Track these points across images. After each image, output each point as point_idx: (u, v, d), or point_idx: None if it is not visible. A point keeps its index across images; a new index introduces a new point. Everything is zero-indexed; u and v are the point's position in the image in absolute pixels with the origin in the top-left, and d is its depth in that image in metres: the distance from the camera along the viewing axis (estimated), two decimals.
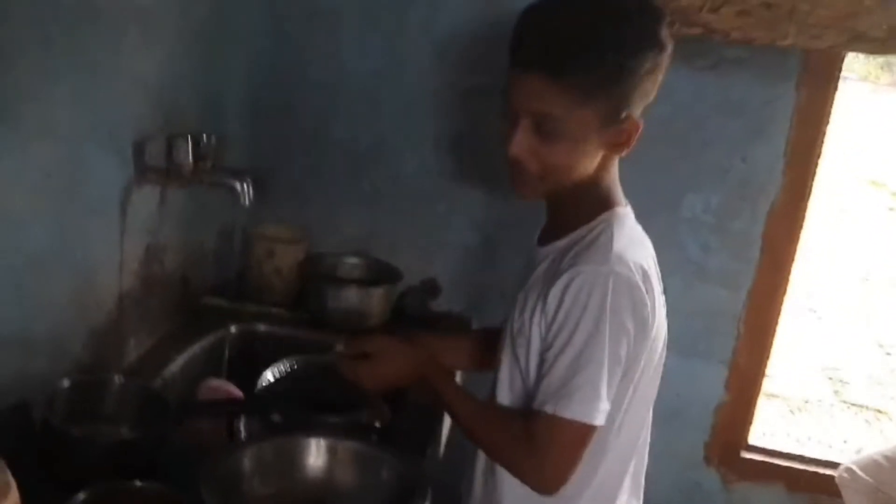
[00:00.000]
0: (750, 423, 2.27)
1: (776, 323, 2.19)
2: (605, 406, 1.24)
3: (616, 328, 1.23)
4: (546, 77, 1.21)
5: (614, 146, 1.28)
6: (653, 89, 1.27)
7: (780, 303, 2.17)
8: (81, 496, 1.16)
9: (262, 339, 2.04)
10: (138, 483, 1.21)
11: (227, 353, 1.91)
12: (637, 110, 1.27)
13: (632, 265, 1.25)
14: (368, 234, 2.28)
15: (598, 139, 1.26)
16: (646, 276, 1.27)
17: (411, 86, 2.20)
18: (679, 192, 2.11)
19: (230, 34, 2.05)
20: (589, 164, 1.29)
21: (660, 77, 1.27)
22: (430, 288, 2.21)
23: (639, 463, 1.48)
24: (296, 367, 1.78)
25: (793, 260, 2.14)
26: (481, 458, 1.46)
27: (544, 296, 1.28)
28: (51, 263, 1.46)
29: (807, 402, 4.50)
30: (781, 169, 2.05)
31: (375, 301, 2.10)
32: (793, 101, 2.01)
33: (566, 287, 1.24)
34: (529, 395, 1.34)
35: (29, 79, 1.30)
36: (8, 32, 1.23)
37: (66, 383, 1.40)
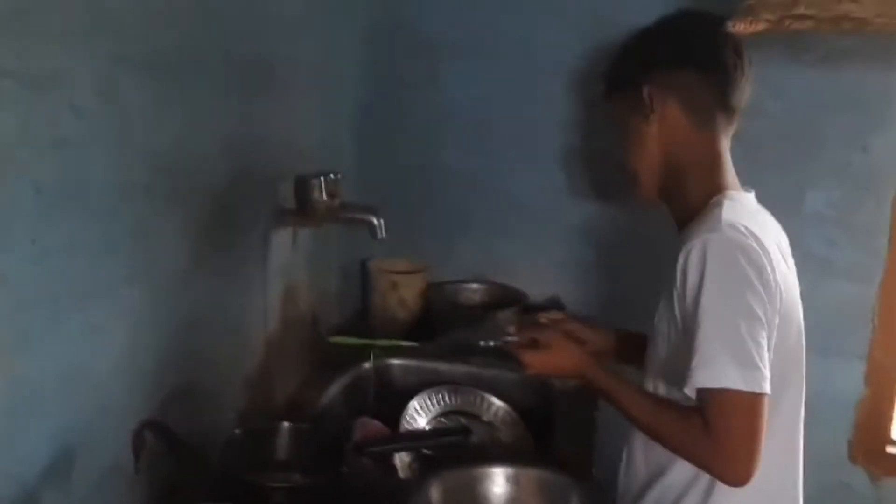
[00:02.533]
0: (892, 417, 2.20)
1: None
2: (763, 371, 1.20)
3: (743, 288, 1.22)
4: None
5: (646, 117, 1.38)
6: (675, 77, 1.36)
7: None
8: None
9: (397, 372, 2.05)
10: None
11: (370, 389, 1.91)
12: (663, 93, 1.36)
13: (742, 229, 1.25)
14: (486, 258, 2.29)
15: (634, 120, 1.39)
16: (759, 241, 1.26)
17: (517, 108, 2.21)
18: (799, 189, 2.07)
19: (337, 79, 2.08)
20: (643, 142, 1.40)
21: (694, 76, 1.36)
22: (555, 306, 2.20)
23: (795, 458, 1.44)
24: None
25: None
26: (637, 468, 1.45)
27: (672, 283, 1.28)
28: (210, 316, 1.48)
29: None
30: None
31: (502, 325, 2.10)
32: None
33: (685, 262, 1.25)
34: (679, 380, 1.32)
35: (184, 131, 1.34)
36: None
37: (238, 432, 1.42)
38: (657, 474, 1.39)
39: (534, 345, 1.48)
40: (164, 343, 1.31)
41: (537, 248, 2.27)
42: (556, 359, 1.48)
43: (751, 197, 1.41)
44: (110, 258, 1.16)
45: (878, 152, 2.01)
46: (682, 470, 1.34)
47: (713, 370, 1.20)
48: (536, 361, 1.47)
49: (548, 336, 1.50)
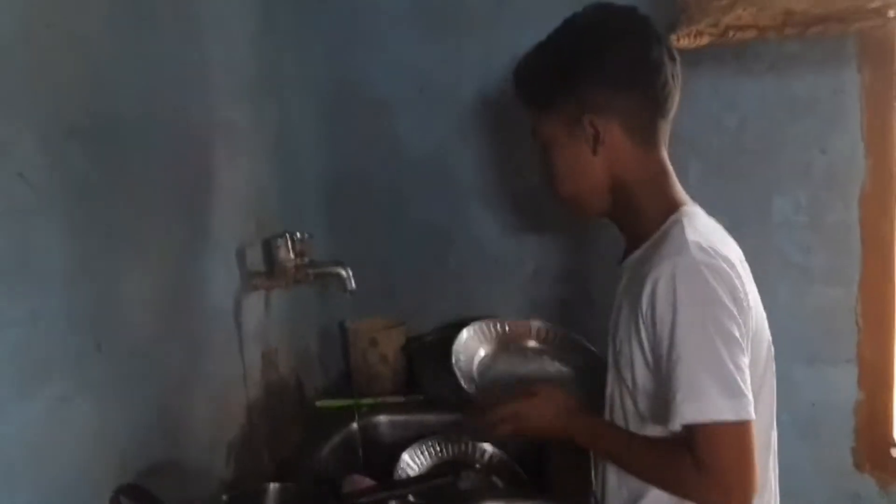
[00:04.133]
0: (892, 417, 2.17)
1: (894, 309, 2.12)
2: (748, 397, 1.18)
3: (717, 313, 1.19)
4: (525, 107, 1.44)
5: (592, 148, 1.36)
6: (621, 99, 1.34)
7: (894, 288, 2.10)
8: None
9: (385, 428, 2.01)
10: None
11: (358, 448, 1.87)
12: (603, 118, 1.34)
13: (711, 251, 1.23)
14: (463, 305, 2.27)
15: (572, 145, 1.37)
16: (727, 260, 1.24)
17: (470, 155, 2.24)
18: (765, 197, 2.08)
19: (298, 143, 2.09)
20: (585, 169, 1.37)
21: (629, 91, 1.34)
22: None
23: (772, 477, 1.42)
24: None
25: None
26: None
27: (634, 311, 1.26)
28: (187, 383, 1.45)
29: None
30: (863, 153, 2.02)
31: None
32: (858, 85, 1.99)
33: (653, 291, 1.22)
34: (641, 415, 1.30)
35: (141, 204, 1.32)
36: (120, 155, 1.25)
37: (225, 498, 1.37)
38: (635, 499, 1.36)
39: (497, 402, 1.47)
40: (137, 413, 1.27)
41: (512, 288, 2.26)
42: (545, 405, 1.45)
43: (700, 210, 1.39)
44: (74, 328, 1.13)
45: (837, 152, 2.03)
46: (659, 494, 1.32)
47: (701, 404, 1.18)
48: (527, 409, 1.45)
49: (535, 387, 1.49)
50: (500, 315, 2.19)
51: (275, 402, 1.81)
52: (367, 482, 1.67)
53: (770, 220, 2.08)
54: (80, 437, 1.13)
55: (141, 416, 1.29)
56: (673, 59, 1.36)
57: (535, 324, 1.94)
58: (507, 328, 1.91)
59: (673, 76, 1.35)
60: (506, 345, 1.88)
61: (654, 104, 1.35)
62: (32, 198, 1.04)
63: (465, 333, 1.82)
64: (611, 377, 1.39)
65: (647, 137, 1.36)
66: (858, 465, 2.15)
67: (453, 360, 1.71)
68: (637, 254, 1.35)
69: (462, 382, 1.65)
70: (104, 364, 1.19)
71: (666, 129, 1.38)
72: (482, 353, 1.83)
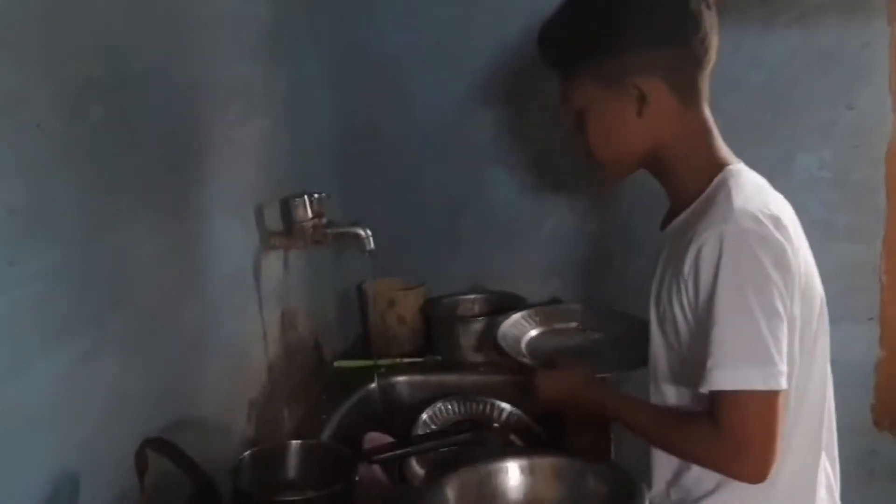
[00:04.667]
0: None
1: None
2: (781, 367, 1.16)
3: (760, 283, 1.17)
4: (555, 73, 1.40)
5: (637, 110, 1.31)
6: (662, 57, 1.29)
7: None
8: None
9: (403, 389, 2.01)
10: None
11: (378, 408, 1.87)
12: (647, 78, 1.29)
13: (759, 215, 1.20)
14: (479, 268, 2.26)
15: (613, 108, 1.32)
16: (777, 222, 1.21)
17: (483, 115, 2.20)
18: (789, 153, 2.04)
19: (311, 104, 2.07)
20: (628, 133, 1.33)
21: (666, 49, 1.30)
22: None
23: (829, 435, 1.41)
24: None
25: None
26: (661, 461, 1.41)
27: (677, 275, 1.24)
28: (207, 341, 1.44)
29: None
30: (890, 108, 1.98)
31: None
32: (888, 38, 1.94)
33: (696, 257, 1.20)
34: (688, 377, 1.29)
35: (158, 160, 1.31)
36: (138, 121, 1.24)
37: (247, 455, 1.37)
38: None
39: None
40: (159, 369, 1.27)
41: (529, 251, 2.23)
42: (563, 378, 1.50)
43: (746, 168, 1.35)
44: (94, 284, 1.12)
45: (864, 108, 1.99)
46: None
47: (731, 372, 1.16)
48: (546, 381, 1.51)
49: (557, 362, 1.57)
50: (516, 278, 2.20)
51: (294, 361, 1.81)
52: (387, 439, 1.68)
53: (794, 177, 2.04)
54: (102, 393, 1.12)
55: (162, 373, 1.29)
56: (709, 7, 1.32)
57: (574, 306, 2.04)
58: (547, 312, 2.01)
59: (710, 26, 1.31)
60: (550, 326, 1.96)
61: (695, 58, 1.31)
62: (51, 150, 1.03)
63: (510, 319, 1.93)
64: (655, 339, 1.37)
65: (690, 94, 1.32)
66: (878, 423, 2.15)
67: (501, 341, 1.82)
68: (681, 218, 1.32)
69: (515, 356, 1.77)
70: (125, 320, 1.19)
71: (706, 84, 1.34)
72: (532, 333, 1.92)
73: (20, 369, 0.97)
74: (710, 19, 1.32)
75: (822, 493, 1.38)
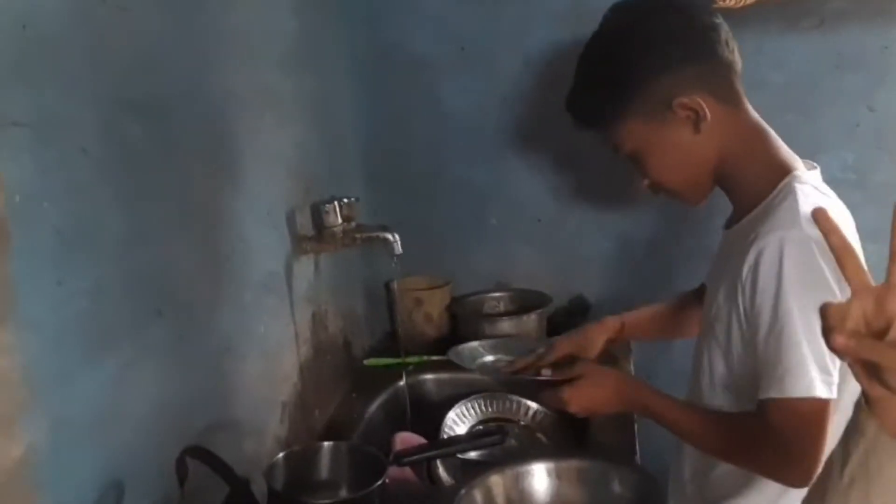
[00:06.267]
0: None
1: None
2: (834, 376, 1.18)
3: (821, 292, 1.16)
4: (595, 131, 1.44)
5: (694, 128, 1.33)
6: (695, 72, 1.32)
7: None
8: None
9: (431, 387, 2.06)
10: None
11: (406, 406, 1.92)
12: (692, 95, 1.31)
13: None
14: (505, 266, 2.30)
15: (667, 136, 1.34)
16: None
17: (511, 114, 2.23)
18: (810, 156, 2.03)
19: (338, 106, 2.11)
20: (693, 153, 1.35)
21: (704, 57, 1.32)
22: (579, 305, 2.20)
23: None
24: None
25: None
26: (688, 459, 1.44)
27: (736, 277, 1.25)
28: (241, 345, 1.49)
29: None
30: None
31: (531, 329, 2.10)
32: None
33: (756, 262, 1.21)
34: (735, 381, 1.31)
35: (194, 173, 1.36)
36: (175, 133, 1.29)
37: (280, 457, 1.42)
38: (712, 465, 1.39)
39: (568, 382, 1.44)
40: (197, 375, 1.33)
41: (554, 249, 2.27)
42: (594, 390, 1.43)
43: (817, 174, 1.37)
44: (134, 296, 1.17)
45: (885, 110, 2.00)
46: None
47: (803, 379, 1.18)
48: (576, 396, 1.42)
49: (579, 367, 1.47)
50: (542, 276, 2.23)
51: (325, 361, 1.86)
52: (417, 440, 1.72)
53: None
54: (144, 401, 1.18)
55: (199, 378, 1.34)
56: (718, 17, 1.36)
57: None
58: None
59: (727, 30, 1.35)
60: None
61: (728, 63, 1.34)
62: (94, 171, 1.08)
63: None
64: (704, 340, 1.39)
65: (734, 98, 1.35)
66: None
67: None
68: (745, 221, 1.33)
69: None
70: (165, 329, 1.24)
71: (741, 87, 1.37)
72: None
73: (66, 381, 1.02)
74: (724, 24, 1.35)
75: None
